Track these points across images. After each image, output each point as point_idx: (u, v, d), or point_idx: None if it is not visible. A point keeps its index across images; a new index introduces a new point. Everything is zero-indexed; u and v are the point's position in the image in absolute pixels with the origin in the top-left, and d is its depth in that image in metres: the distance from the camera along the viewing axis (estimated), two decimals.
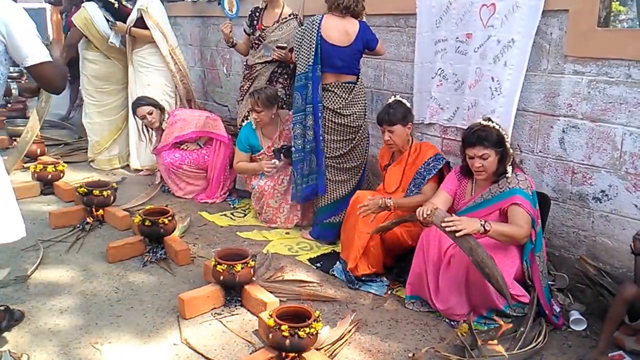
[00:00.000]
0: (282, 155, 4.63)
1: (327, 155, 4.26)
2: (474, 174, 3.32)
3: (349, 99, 4.17)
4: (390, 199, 3.61)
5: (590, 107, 3.41)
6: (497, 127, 3.23)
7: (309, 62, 4.10)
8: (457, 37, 4.05)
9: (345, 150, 4.28)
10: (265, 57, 5.02)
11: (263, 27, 5.07)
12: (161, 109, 5.36)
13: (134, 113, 5.35)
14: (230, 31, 5.20)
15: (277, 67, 5.07)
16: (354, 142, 4.29)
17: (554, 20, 3.52)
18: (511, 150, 3.24)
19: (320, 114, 4.17)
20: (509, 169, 3.23)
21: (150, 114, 5.26)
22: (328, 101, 4.16)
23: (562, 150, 3.59)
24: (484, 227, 2.98)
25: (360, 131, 4.30)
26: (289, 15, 5.03)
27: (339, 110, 4.16)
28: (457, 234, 2.93)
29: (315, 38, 4.08)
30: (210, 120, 5.39)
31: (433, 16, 4.20)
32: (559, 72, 3.54)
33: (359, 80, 4.27)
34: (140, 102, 5.33)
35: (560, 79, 3.54)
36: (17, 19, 2.53)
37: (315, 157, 4.27)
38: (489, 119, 3.29)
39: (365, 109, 4.32)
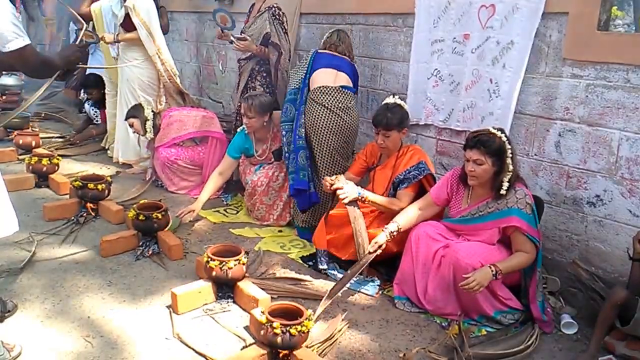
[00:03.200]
0: (282, 156, 4.61)
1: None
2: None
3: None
4: (366, 192, 3.64)
5: (588, 111, 3.41)
6: (503, 138, 3.14)
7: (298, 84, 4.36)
8: (454, 38, 4.04)
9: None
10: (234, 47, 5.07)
11: (248, 21, 5.15)
12: (142, 119, 5.25)
13: None
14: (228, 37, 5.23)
15: (256, 64, 5.08)
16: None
17: (554, 23, 3.52)
18: (511, 167, 3.14)
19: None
20: (505, 185, 3.14)
21: (131, 125, 5.30)
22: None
23: (557, 154, 3.59)
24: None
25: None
26: (265, 8, 5.00)
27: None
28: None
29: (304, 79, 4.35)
30: (207, 118, 5.37)
31: (431, 16, 4.19)
32: (557, 75, 3.55)
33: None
34: (127, 113, 5.37)
35: (558, 82, 3.54)
36: None
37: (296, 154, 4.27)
38: (501, 130, 3.19)
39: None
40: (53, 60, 2.94)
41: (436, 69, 4.21)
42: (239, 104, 5.24)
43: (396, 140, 3.78)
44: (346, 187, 3.63)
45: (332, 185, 3.67)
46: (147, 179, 5.49)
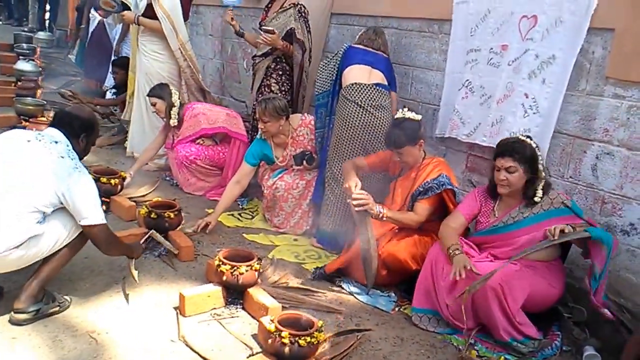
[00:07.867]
0: (304, 161, 4.72)
1: None
2: (498, 193, 3.38)
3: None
4: (384, 209, 3.67)
5: (628, 134, 3.43)
6: (533, 145, 3.28)
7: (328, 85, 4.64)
8: (492, 48, 4.06)
9: None
10: (261, 49, 5.24)
11: (266, 17, 5.26)
12: (169, 103, 5.35)
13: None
14: (232, 19, 5.46)
15: (272, 62, 5.20)
16: None
17: (598, 39, 3.53)
18: (543, 174, 3.30)
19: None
20: (539, 193, 3.28)
21: (154, 105, 5.39)
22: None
23: (593, 178, 3.61)
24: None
25: None
26: (290, 5, 5.11)
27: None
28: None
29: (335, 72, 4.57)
30: (231, 117, 5.48)
31: (469, 23, 4.22)
32: (598, 94, 3.57)
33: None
34: (150, 91, 5.46)
35: (598, 101, 3.56)
36: (79, 185, 3.00)
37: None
38: (529, 137, 3.35)
39: None
40: (124, 243, 3.45)
41: (467, 80, 4.22)
42: (253, 105, 5.36)
43: (414, 154, 3.80)
44: (368, 197, 3.67)
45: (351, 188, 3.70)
46: (133, 172, 5.36)
